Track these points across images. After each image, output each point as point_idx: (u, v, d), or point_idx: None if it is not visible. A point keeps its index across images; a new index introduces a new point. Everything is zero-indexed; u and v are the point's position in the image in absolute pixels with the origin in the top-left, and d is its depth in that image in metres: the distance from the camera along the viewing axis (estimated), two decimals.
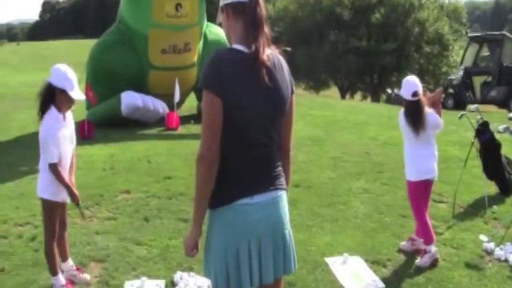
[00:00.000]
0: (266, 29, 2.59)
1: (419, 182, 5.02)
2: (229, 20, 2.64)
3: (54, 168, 4.18)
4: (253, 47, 2.52)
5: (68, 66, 4.28)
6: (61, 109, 4.23)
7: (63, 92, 4.15)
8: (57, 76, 4.16)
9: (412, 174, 5.05)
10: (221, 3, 2.65)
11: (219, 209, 2.60)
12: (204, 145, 2.51)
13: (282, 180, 2.73)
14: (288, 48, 2.80)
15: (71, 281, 4.53)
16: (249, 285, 2.61)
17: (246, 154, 2.59)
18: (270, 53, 2.61)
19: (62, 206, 4.45)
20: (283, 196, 2.73)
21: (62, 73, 4.17)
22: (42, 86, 4.23)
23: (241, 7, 2.56)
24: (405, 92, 4.90)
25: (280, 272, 2.71)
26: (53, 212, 4.35)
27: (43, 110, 4.20)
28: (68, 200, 4.41)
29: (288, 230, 2.74)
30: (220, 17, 2.71)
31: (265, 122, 2.60)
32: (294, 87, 2.76)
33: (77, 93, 4.22)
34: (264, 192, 2.62)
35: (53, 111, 4.18)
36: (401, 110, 5.03)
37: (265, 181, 2.65)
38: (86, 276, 4.69)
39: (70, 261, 4.68)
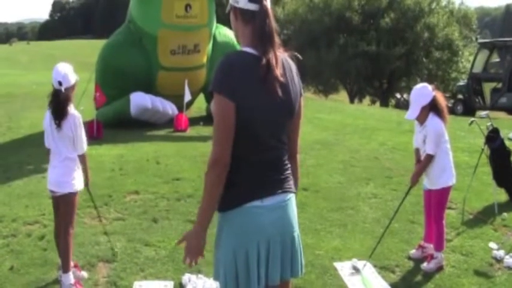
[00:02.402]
0: (277, 39, 2.58)
1: (450, 187, 5.00)
2: (237, 22, 2.64)
3: (86, 155, 4.60)
4: (264, 59, 2.50)
5: (64, 64, 4.53)
6: (71, 103, 4.52)
7: (69, 89, 4.45)
8: (65, 79, 4.41)
9: (448, 181, 4.99)
10: (230, 2, 2.65)
11: (229, 211, 2.59)
12: (217, 150, 2.49)
13: (291, 183, 2.73)
14: (298, 55, 2.76)
15: (79, 281, 4.54)
16: (256, 285, 2.59)
17: (256, 157, 2.58)
18: (280, 58, 2.59)
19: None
20: (292, 199, 2.73)
21: (63, 74, 4.41)
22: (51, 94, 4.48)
23: (250, 15, 2.56)
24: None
25: (287, 275, 2.69)
26: (73, 204, 4.54)
27: (62, 110, 4.42)
28: (83, 186, 4.63)
29: (297, 232, 2.74)
30: (231, 15, 2.69)
31: (275, 126, 2.60)
32: (302, 90, 2.76)
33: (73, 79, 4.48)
34: (273, 195, 2.62)
35: (71, 108, 4.47)
36: (436, 119, 4.90)
37: (275, 184, 2.64)
38: (84, 273, 4.70)
39: None
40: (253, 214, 2.57)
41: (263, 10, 2.55)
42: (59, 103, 4.37)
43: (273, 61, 2.52)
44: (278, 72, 2.52)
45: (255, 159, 2.58)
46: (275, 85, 2.51)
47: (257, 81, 2.50)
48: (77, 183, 4.51)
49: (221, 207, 2.60)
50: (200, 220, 2.57)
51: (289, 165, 2.73)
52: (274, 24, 2.59)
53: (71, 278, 4.42)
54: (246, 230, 2.57)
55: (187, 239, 2.61)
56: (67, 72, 4.42)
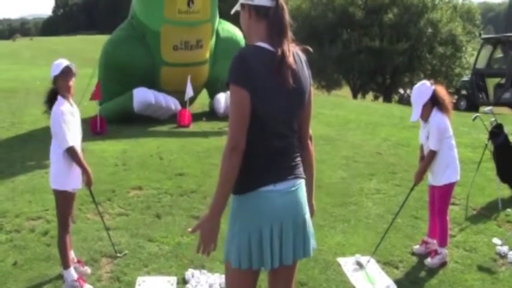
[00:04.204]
0: (290, 32, 2.72)
1: (454, 183, 4.99)
2: (250, 19, 2.74)
3: (71, 152, 4.28)
4: (279, 50, 2.62)
5: (60, 59, 4.47)
6: (65, 95, 4.37)
7: (57, 78, 4.32)
8: (51, 71, 4.35)
9: (451, 177, 4.97)
10: (242, 1, 2.74)
11: (244, 195, 2.71)
12: (234, 137, 2.59)
13: (301, 169, 2.85)
14: (310, 48, 2.87)
15: (82, 276, 4.54)
16: (270, 265, 2.72)
17: (269, 144, 2.71)
18: (292, 50, 2.71)
19: (73, 197, 4.49)
20: (302, 184, 2.85)
21: (52, 66, 4.36)
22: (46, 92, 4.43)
23: (264, 11, 2.68)
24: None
25: (299, 255, 2.82)
26: (64, 203, 4.41)
27: (50, 106, 4.36)
28: (78, 186, 4.47)
29: (308, 215, 2.86)
30: (241, 13, 2.79)
31: (287, 115, 2.73)
32: (311, 80, 2.88)
33: (62, 64, 4.35)
34: (285, 181, 2.74)
35: (59, 100, 4.33)
36: (439, 114, 4.88)
37: (287, 170, 2.77)
38: (87, 269, 4.70)
39: (71, 253, 4.68)
40: (267, 198, 2.69)
41: (279, 5, 2.67)
42: (46, 96, 4.38)
43: (287, 53, 2.64)
44: (291, 62, 2.65)
45: (268, 146, 2.71)
46: (288, 75, 2.64)
47: (270, 72, 2.62)
48: (69, 182, 4.37)
49: (237, 191, 2.71)
50: (214, 206, 2.64)
51: (298, 153, 2.85)
52: (288, 19, 2.71)
53: (72, 274, 4.43)
54: (261, 212, 2.69)
55: (201, 227, 2.67)
56: (59, 61, 4.37)
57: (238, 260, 2.71)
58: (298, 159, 2.85)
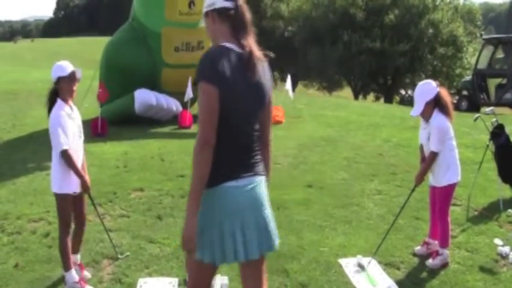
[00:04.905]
0: (252, 31, 2.88)
1: (455, 184, 4.98)
2: (215, 24, 2.88)
3: (65, 155, 4.24)
4: (246, 47, 2.80)
5: (63, 61, 4.43)
6: (65, 99, 4.33)
7: (60, 80, 4.27)
8: (52, 72, 4.31)
9: (452, 178, 4.97)
10: (204, 10, 2.92)
11: (208, 190, 2.80)
12: (205, 132, 2.71)
13: (262, 167, 3.01)
14: (271, 53, 3.00)
15: (83, 278, 4.54)
16: (233, 259, 2.84)
17: (234, 141, 2.84)
18: (260, 53, 2.88)
19: (74, 199, 4.45)
20: (263, 181, 3.00)
21: (54, 67, 4.32)
22: (48, 92, 4.38)
23: (226, 12, 2.83)
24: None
25: (265, 249, 2.95)
26: (63, 206, 4.39)
27: (50, 107, 4.33)
28: (78, 190, 4.42)
29: (268, 210, 2.99)
30: (204, 22, 2.96)
31: (250, 113, 2.89)
32: (273, 83, 3.05)
33: (67, 70, 4.29)
34: (247, 177, 2.89)
35: (58, 103, 4.30)
36: (441, 116, 4.87)
37: (248, 167, 2.92)
38: (87, 273, 4.67)
39: (76, 256, 4.69)
40: (229, 193, 2.83)
41: (238, 5, 2.84)
42: (47, 96, 4.35)
43: (254, 49, 2.82)
44: (258, 58, 2.83)
45: (233, 142, 2.84)
46: (256, 71, 2.82)
47: (237, 72, 2.76)
48: (69, 185, 4.35)
49: None
50: (191, 205, 2.74)
51: (259, 151, 3.01)
52: (249, 17, 2.87)
53: (73, 275, 4.43)
54: (223, 207, 2.83)
55: (184, 229, 2.77)
56: (63, 64, 4.34)
57: (202, 255, 2.83)
58: (259, 157, 3.00)
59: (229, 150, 2.83)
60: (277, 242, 3.01)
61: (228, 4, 2.83)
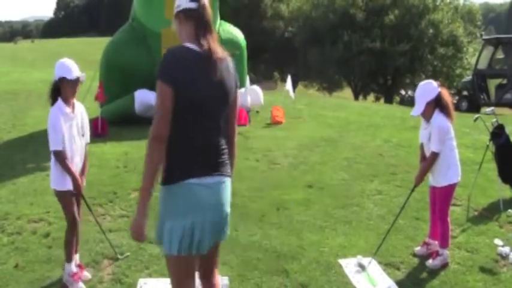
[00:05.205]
0: (214, 31, 3.01)
1: (455, 184, 4.99)
2: (181, 24, 3.02)
3: (58, 155, 4.25)
4: (205, 45, 2.90)
5: (68, 59, 4.40)
6: (67, 99, 4.32)
7: (63, 80, 4.25)
8: (56, 69, 4.29)
9: (452, 178, 4.98)
10: (174, 11, 3.05)
11: (172, 185, 2.92)
12: (158, 127, 2.81)
13: (228, 168, 3.10)
14: (237, 51, 3.11)
15: (80, 276, 4.54)
16: (186, 252, 2.94)
17: (195, 139, 2.93)
18: (222, 52, 2.99)
19: (73, 196, 4.47)
20: (228, 182, 3.10)
21: (59, 64, 4.30)
22: (50, 85, 4.36)
23: (190, 12, 2.97)
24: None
25: (215, 241, 3.12)
26: (65, 203, 4.44)
27: (52, 101, 4.33)
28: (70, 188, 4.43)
29: (228, 210, 3.11)
30: (174, 23, 3.09)
31: (213, 111, 2.96)
32: (238, 83, 3.13)
33: (73, 74, 4.27)
34: (211, 176, 2.97)
35: (58, 102, 4.29)
36: (441, 116, 4.86)
37: (213, 166, 2.99)
38: (86, 274, 4.67)
39: (76, 257, 4.69)
40: (191, 190, 2.91)
41: (201, 5, 2.97)
42: (49, 91, 4.34)
43: (214, 48, 2.92)
44: (218, 57, 2.93)
45: (193, 140, 2.93)
46: (215, 69, 2.91)
47: (194, 70, 2.88)
48: (67, 182, 4.36)
49: (166, 180, 2.94)
50: (141, 201, 2.89)
51: (226, 150, 3.10)
52: (210, 17, 3.00)
53: (72, 268, 4.49)
54: (185, 203, 2.92)
55: (132, 226, 2.94)
56: (70, 64, 4.30)
57: (169, 248, 2.94)
58: (225, 156, 3.08)
59: (191, 148, 2.92)
60: (228, 233, 3.17)
61: (193, 5, 2.97)
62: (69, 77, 4.24)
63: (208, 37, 2.94)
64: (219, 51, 2.96)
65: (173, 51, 2.92)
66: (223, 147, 3.06)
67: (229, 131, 3.14)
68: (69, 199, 4.44)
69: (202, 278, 3.33)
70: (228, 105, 3.04)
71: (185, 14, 2.98)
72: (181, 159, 2.91)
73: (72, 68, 4.29)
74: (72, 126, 4.36)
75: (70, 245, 4.50)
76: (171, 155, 2.90)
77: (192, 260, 3.06)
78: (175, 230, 2.90)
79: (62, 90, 4.30)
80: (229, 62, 3.06)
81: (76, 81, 4.31)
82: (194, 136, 2.92)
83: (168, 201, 2.95)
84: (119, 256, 5.04)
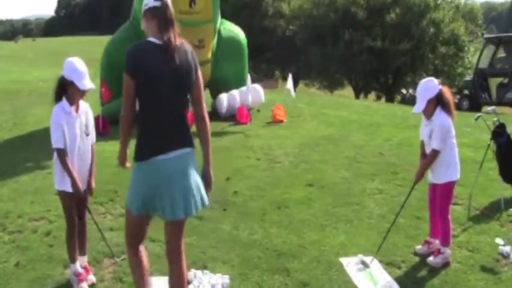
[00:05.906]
0: (176, 26, 3.46)
1: (454, 182, 4.99)
2: (148, 22, 3.49)
3: (58, 153, 4.25)
4: (165, 38, 3.36)
5: (79, 59, 4.36)
6: (72, 100, 4.29)
7: (72, 84, 4.21)
8: (67, 69, 4.24)
9: (452, 175, 4.98)
10: (142, 10, 3.52)
11: (140, 162, 3.46)
12: (124, 110, 3.52)
13: (190, 139, 3.58)
14: (197, 42, 3.56)
15: (86, 277, 4.53)
16: (162, 215, 3.56)
17: (161, 119, 3.43)
18: (180, 43, 3.46)
19: (72, 197, 4.42)
20: (192, 152, 3.60)
21: (71, 65, 4.25)
22: (56, 80, 4.32)
23: (155, 10, 3.45)
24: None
25: (191, 211, 3.54)
26: (65, 202, 4.44)
27: (57, 96, 4.31)
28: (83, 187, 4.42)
29: (197, 178, 3.60)
30: (143, 22, 3.55)
31: (174, 93, 3.43)
32: (198, 67, 3.59)
33: (84, 84, 4.23)
34: (176, 150, 3.48)
35: (62, 102, 4.27)
36: (443, 114, 4.87)
37: (177, 140, 3.50)
38: (92, 277, 4.64)
39: (83, 259, 4.69)
40: (158, 164, 3.44)
41: (163, 3, 3.45)
42: (56, 86, 4.29)
43: (172, 39, 3.38)
44: (176, 47, 3.38)
45: (160, 120, 3.44)
46: (173, 57, 3.36)
47: (154, 60, 3.34)
48: (63, 182, 4.34)
49: (136, 158, 3.47)
50: (121, 146, 3.79)
51: (188, 125, 3.59)
52: (173, 15, 3.47)
53: (76, 267, 4.49)
54: (153, 176, 3.45)
55: (118, 157, 3.88)
56: (79, 70, 4.24)
57: (130, 206, 3.56)
58: (187, 130, 3.57)
59: (159, 127, 3.44)
60: (203, 204, 3.61)
61: (157, 3, 3.45)
62: (80, 87, 4.20)
63: (170, 31, 3.40)
64: (178, 43, 3.41)
65: (134, 45, 3.42)
66: (185, 123, 3.56)
67: (199, 111, 3.63)
68: (67, 200, 4.42)
69: (169, 263, 3.81)
70: (188, 87, 3.52)
71: (151, 12, 3.45)
72: (146, 139, 3.46)
73: (84, 77, 4.23)
74: (75, 125, 4.33)
75: (69, 246, 4.48)
76: (139, 135, 3.49)
77: (146, 220, 3.70)
78: (138, 193, 3.48)
79: (68, 90, 4.25)
80: (189, 52, 3.50)
81: (86, 91, 4.28)
82: (159, 118, 3.42)
83: (136, 173, 3.51)
84: (116, 259, 5.02)
